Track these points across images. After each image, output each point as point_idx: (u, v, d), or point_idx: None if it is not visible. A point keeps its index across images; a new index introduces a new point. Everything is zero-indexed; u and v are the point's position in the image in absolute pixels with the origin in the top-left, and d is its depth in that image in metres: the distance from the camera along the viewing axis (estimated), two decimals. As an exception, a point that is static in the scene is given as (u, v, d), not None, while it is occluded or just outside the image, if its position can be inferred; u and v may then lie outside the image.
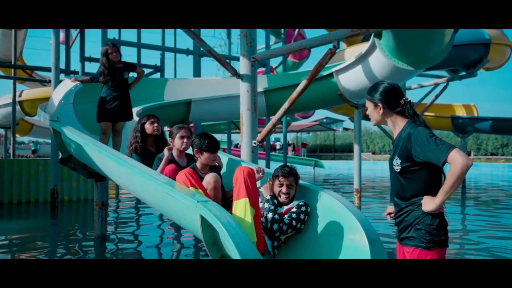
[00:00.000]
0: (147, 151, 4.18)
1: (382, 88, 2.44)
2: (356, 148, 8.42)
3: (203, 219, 2.65)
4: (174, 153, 3.82)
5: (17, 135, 17.00)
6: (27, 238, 6.57)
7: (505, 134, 20.03)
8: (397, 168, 2.35)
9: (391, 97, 2.42)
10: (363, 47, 8.68)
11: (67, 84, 5.35)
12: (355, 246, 2.93)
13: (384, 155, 32.10)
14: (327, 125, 39.25)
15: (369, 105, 2.51)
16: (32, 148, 34.28)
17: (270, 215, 3.09)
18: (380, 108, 2.44)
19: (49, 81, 14.22)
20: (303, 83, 5.64)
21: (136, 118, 6.08)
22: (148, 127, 4.24)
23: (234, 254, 2.34)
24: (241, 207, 2.87)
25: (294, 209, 3.15)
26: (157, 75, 12.98)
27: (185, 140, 3.77)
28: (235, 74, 6.17)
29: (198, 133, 3.73)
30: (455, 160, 2.13)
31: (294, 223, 3.08)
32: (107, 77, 5.07)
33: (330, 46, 5.63)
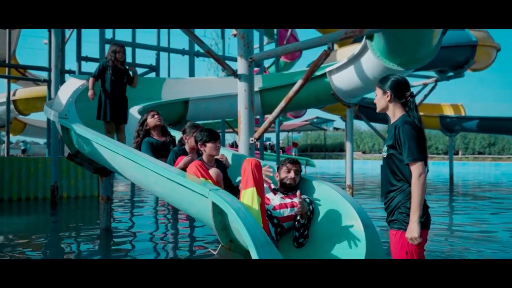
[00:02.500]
0: (153, 144, 4.52)
1: (393, 78, 2.72)
2: (348, 145, 8.71)
3: (214, 206, 2.91)
4: (188, 150, 4.10)
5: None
6: (31, 233, 6.75)
7: (492, 133, 20.51)
8: (384, 154, 2.65)
9: (399, 88, 2.68)
10: (354, 48, 8.99)
11: (73, 83, 5.56)
12: (352, 231, 3.21)
13: (374, 154, 32.53)
14: (318, 124, 39.61)
15: (378, 92, 2.75)
16: (22, 148, 34.13)
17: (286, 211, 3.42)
18: (388, 96, 2.69)
19: (44, 80, 14.36)
20: (299, 82, 5.91)
21: (137, 116, 6.32)
22: (151, 120, 4.61)
23: (245, 236, 2.59)
24: (249, 195, 3.12)
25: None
26: (152, 74, 13.18)
27: None
28: (233, 73, 6.43)
29: (199, 129, 4.01)
30: (412, 173, 2.47)
31: (308, 225, 3.40)
32: (110, 75, 5.27)
33: (324, 47, 5.95)
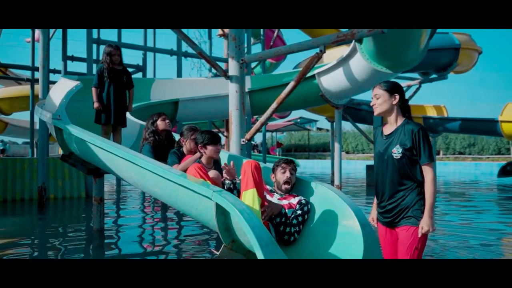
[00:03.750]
0: (160, 145, 4.58)
1: (396, 82, 2.88)
2: (336, 146, 8.85)
3: (218, 207, 2.96)
4: (186, 152, 4.14)
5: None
6: (20, 235, 6.69)
7: (473, 134, 20.97)
8: (397, 156, 2.74)
9: (403, 92, 2.88)
10: (342, 50, 9.13)
11: (66, 84, 5.54)
12: (349, 231, 3.29)
13: (357, 154, 32.87)
14: (301, 125, 39.80)
15: (383, 95, 2.83)
16: (1, 148, 33.49)
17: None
18: (395, 99, 2.82)
19: (27, 80, 14.18)
20: (291, 84, 6.00)
21: (132, 119, 6.33)
22: (161, 123, 4.66)
23: (250, 237, 2.65)
24: (249, 196, 3.19)
25: (298, 211, 3.48)
26: (139, 74, 13.13)
27: None
28: (225, 75, 6.49)
29: (199, 131, 4.06)
30: (426, 174, 2.68)
31: (301, 227, 3.46)
32: (106, 79, 5.27)
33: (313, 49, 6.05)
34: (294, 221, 3.45)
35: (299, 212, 3.48)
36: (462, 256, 5.17)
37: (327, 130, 40.56)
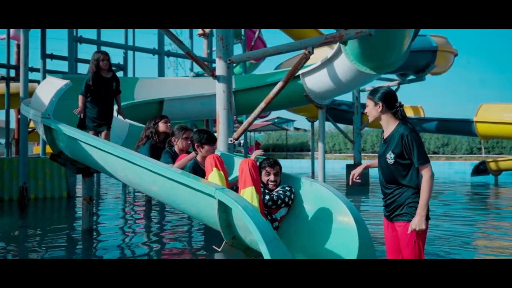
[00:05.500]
0: (157, 146, 4.57)
1: (383, 90, 3.00)
2: (320, 146, 9.00)
3: (220, 205, 3.03)
4: (177, 151, 4.19)
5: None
6: (4, 236, 6.59)
7: (449, 134, 21.53)
8: (391, 161, 2.89)
9: (389, 99, 2.97)
10: (326, 50, 9.28)
11: (54, 83, 5.50)
12: (344, 227, 3.41)
13: (335, 154, 33.26)
14: (279, 124, 40.02)
15: (369, 103, 3.02)
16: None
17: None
18: (379, 107, 2.95)
19: (2, 78, 13.87)
20: (279, 84, 6.08)
21: (122, 119, 6.31)
22: (162, 126, 4.69)
23: (255, 233, 2.73)
24: (248, 194, 3.28)
25: (280, 190, 3.67)
26: (120, 73, 13.00)
27: (189, 141, 4.14)
28: (212, 75, 6.55)
29: (196, 130, 4.12)
30: (423, 175, 2.79)
31: (282, 196, 3.60)
32: (94, 85, 5.18)
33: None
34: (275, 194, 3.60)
35: (280, 190, 3.64)
36: (450, 250, 5.37)
37: (305, 130, 40.89)
